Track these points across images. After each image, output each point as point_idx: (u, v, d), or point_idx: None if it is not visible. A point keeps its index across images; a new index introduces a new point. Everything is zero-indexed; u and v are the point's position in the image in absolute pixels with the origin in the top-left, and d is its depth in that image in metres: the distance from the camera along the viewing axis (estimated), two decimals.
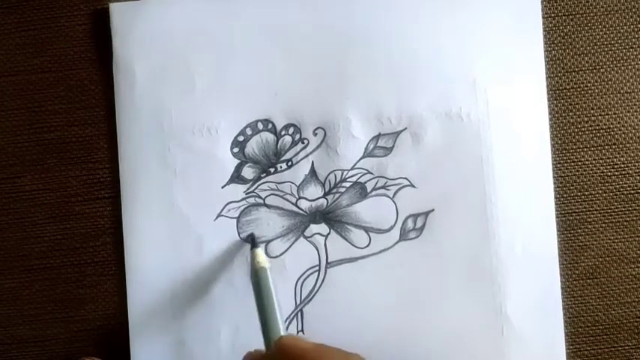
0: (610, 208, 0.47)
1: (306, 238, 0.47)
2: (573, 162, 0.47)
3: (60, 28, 0.48)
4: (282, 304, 0.46)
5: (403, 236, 0.46)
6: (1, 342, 0.47)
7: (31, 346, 0.47)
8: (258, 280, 0.42)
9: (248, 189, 0.47)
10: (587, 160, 0.47)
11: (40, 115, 0.48)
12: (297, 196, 0.47)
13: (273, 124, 0.47)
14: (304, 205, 0.47)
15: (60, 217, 0.48)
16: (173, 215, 0.46)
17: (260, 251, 0.44)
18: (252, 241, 0.46)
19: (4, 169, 0.48)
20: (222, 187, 0.47)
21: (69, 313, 0.47)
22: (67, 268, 0.47)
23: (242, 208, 0.47)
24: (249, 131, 0.47)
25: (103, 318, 0.47)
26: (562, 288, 0.46)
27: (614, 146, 0.47)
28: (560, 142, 0.47)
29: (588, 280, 0.47)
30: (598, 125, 0.47)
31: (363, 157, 0.47)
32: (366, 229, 0.47)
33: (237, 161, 0.47)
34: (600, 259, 0.47)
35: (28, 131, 0.48)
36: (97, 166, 0.48)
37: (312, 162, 0.47)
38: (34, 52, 0.48)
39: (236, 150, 0.47)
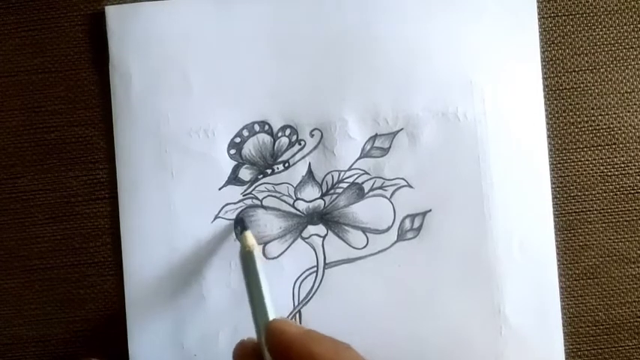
0: (610, 208, 0.47)
1: (303, 239, 0.47)
2: (573, 162, 0.47)
3: (60, 28, 0.48)
4: (280, 305, 0.46)
5: (401, 237, 0.46)
6: (1, 342, 0.47)
7: (31, 347, 0.47)
8: (244, 264, 0.41)
9: (245, 190, 0.47)
10: (587, 160, 0.47)
11: (39, 116, 0.48)
12: (294, 198, 0.47)
13: (270, 126, 0.47)
14: (301, 206, 0.47)
15: (60, 218, 0.48)
16: (170, 217, 0.47)
17: (248, 234, 0.43)
18: (241, 223, 0.45)
19: (4, 169, 0.48)
20: (220, 189, 0.47)
21: (69, 314, 0.47)
22: (67, 268, 0.48)
23: (239, 209, 0.47)
24: (245, 133, 0.47)
25: (103, 318, 0.47)
26: (562, 288, 0.46)
27: (613, 146, 0.47)
28: (559, 142, 0.47)
29: (588, 280, 0.47)
30: (597, 125, 0.47)
31: (360, 157, 0.47)
32: (364, 230, 0.47)
33: (234, 163, 0.47)
34: (600, 259, 0.47)
35: (27, 131, 0.48)
36: (97, 167, 0.48)
37: (309, 163, 0.47)
38: (34, 52, 0.48)
39: (233, 152, 0.47)
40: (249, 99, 0.47)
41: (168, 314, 0.46)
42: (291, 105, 0.47)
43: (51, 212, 0.48)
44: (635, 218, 0.47)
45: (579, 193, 0.47)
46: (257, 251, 0.42)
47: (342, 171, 0.47)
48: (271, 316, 0.38)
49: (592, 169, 0.47)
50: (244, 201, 0.47)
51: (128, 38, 0.47)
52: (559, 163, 0.47)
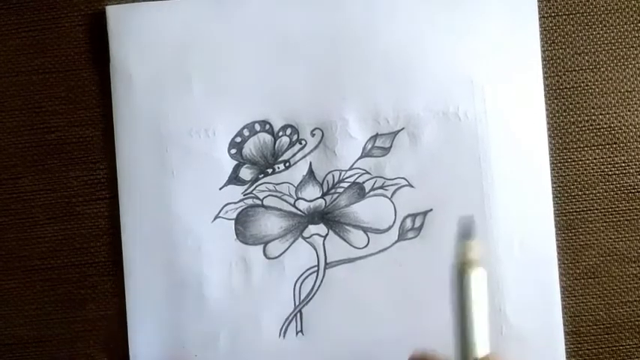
0: (610, 207, 0.47)
1: (304, 239, 0.47)
2: (573, 161, 0.47)
3: (60, 29, 0.48)
4: (280, 306, 0.46)
5: (402, 236, 0.46)
6: (2, 342, 0.47)
7: (32, 347, 0.47)
8: (462, 279, 0.35)
9: (246, 190, 0.47)
10: (588, 159, 0.47)
11: (40, 116, 0.48)
12: (295, 197, 0.47)
13: (271, 125, 0.47)
14: (302, 205, 0.47)
15: (60, 218, 0.48)
16: (171, 217, 0.47)
17: (474, 244, 0.35)
18: (467, 228, 0.36)
19: (5, 169, 0.48)
20: (220, 189, 0.47)
21: (70, 314, 0.47)
22: (68, 268, 0.48)
23: (240, 209, 0.47)
24: (246, 132, 0.47)
25: (103, 318, 0.47)
26: (563, 287, 0.46)
27: (614, 145, 0.47)
28: (560, 141, 0.47)
29: (589, 280, 0.47)
30: (598, 124, 0.47)
31: (361, 157, 0.47)
32: (365, 230, 0.46)
33: (234, 162, 0.47)
34: (601, 258, 0.47)
35: (28, 132, 0.48)
36: (97, 167, 0.48)
37: (310, 162, 0.47)
38: (35, 53, 0.48)
39: (233, 151, 0.47)
40: (250, 98, 0.47)
41: (169, 314, 0.46)
42: (291, 104, 0.47)
43: (51, 212, 0.48)
44: (635, 217, 0.47)
45: (580, 193, 0.47)
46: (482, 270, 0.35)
47: (342, 170, 0.47)
48: (486, 350, 0.35)
49: (592, 169, 0.47)
50: (245, 200, 0.47)
51: (129, 38, 0.47)
52: (559, 163, 0.47)
